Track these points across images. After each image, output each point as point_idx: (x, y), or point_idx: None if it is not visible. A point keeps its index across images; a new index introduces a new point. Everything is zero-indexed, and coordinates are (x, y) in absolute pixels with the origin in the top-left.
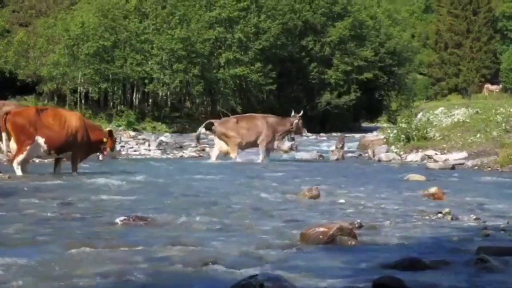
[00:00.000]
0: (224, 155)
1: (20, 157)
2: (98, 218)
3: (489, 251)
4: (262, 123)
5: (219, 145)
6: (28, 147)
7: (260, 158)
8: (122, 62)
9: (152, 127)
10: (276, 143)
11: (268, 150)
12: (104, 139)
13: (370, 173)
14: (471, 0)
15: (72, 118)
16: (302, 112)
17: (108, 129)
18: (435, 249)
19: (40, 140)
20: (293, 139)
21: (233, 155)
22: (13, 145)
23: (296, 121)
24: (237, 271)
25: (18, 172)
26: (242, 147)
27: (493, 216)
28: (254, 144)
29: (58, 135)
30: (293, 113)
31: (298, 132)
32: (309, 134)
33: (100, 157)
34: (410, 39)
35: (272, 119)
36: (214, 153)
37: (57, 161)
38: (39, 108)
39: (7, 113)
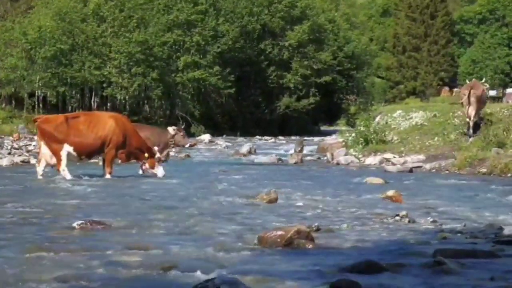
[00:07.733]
0: None
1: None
2: (56, 222)
3: (446, 254)
4: None
5: None
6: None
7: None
8: (80, 66)
9: None
10: None
11: None
12: None
13: (329, 177)
14: (428, 4)
15: (106, 122)
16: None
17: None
18: (392, 252)
19: (69, 148)
20: None
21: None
22: (43, 149)
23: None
24: (195, 274)
25: (68, 176)
26: None
27: (450, 219)
28: None
29: (87, 141)
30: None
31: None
32: (268, 137)
33: None
34: (368, 43)
35: None
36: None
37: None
38: (69, 116)
39: (35, 120)
